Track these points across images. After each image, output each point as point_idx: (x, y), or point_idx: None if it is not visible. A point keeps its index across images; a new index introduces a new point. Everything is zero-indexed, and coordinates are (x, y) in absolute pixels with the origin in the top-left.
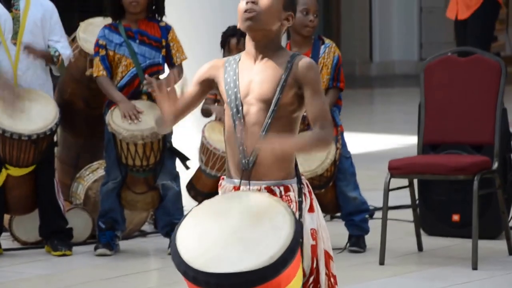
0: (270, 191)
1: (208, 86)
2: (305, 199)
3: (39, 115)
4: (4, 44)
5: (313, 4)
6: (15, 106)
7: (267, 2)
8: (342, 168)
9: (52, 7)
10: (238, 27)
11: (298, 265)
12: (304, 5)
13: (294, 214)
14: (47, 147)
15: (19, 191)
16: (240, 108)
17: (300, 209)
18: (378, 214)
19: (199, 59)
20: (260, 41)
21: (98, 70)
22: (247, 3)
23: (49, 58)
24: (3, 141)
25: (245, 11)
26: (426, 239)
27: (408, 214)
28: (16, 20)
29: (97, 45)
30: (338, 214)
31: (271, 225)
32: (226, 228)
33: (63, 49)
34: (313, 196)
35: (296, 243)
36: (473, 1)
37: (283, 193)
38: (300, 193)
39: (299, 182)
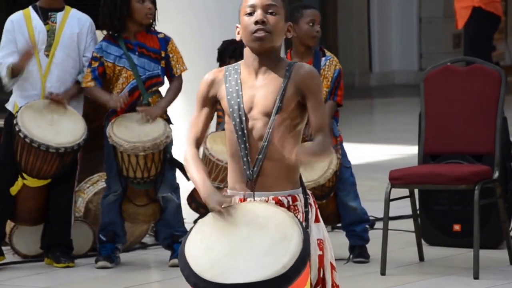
0: (278, 201)
1: (214, 101)
2: (311, 209)
3: (68, 129)
4: (36, 55)
5: (318, 14)
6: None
7: (276, 20)
8: (342, 178)
9: (90, 23)
10: (237, 39)
11: (307, 275)
12: (311, 16)
13: (301, 223)
14: (69, 162)
15: (32, 202)
16: (244, 119)
17: (306, 219)
18: (379, 225)
19: (197, 70)
20: (263, 55)
21: (86, 81)
22: (256, 23)
23: (79, 90)
24: (28, 151)
25: (255, 31)
26: (427, 249)
27: (409, 224)
28: (51, 33)
29: (91, 57)
30: (339, 225)
31: (279, 235)
32: (235, 239)
33: None
34: (317, 206)
35: (306, 252)
36: (463, 11)
37: (291, 203)
38: (306, 203)
39: (305, 193)
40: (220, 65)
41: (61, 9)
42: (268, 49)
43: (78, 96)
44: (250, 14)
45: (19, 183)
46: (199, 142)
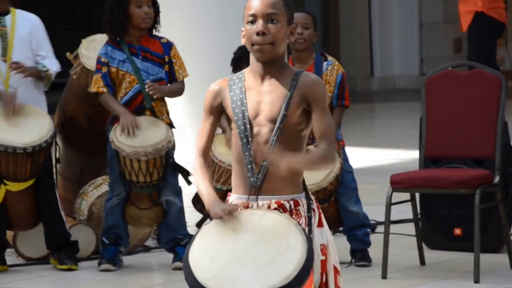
0: (281, 205)
1: (220, 111)
2: (314, 214)
3: (33, 128)
4: None
5: (301, 17)
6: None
7: (277, 29)
8: (344, 182)
9: (38, 21)
10: (242, 43)
11: (311, 284)
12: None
13: (305, 232)
14: (43, 160)
15: (20, 206)
16: (248, 126)
17: (309, 224)
18: (380, 228)
19: (199, 75)
20: (268, 63)
21: (98, 86)
22: (257, 34)
23: (37, 74)
24: None
25: (257, 43)
26: (428, 253)
27: (410, 228)
28: (4, 37)
29: (99, 62)
30: (340, 229)
31: (283, 244)
32: (238, 247)
33: (51, 64)
34: (321, 210)
35: (310, 262)
36: (467, 15)
37: (293, 207)
38: (309, 208)
39: (308, 197)
40: (234, 71)
41: (6, 12)
42: (271, 58)
43: (39, 87)
44: (252, 22)
45: (1, 190)
46: (206, 151)
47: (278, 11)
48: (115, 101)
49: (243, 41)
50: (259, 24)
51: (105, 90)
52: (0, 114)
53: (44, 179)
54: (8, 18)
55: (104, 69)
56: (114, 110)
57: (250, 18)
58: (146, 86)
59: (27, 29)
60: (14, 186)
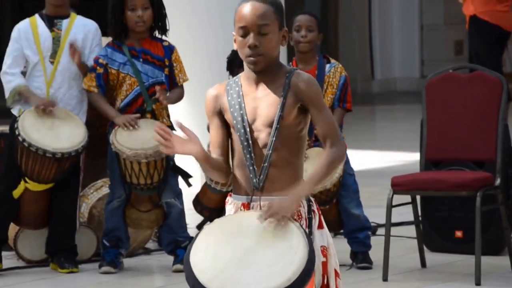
0: None
1: (221, 114)
2: (314, 216)
3: (67, 135)
4: (42, 62)
5: (305, 19)
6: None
7: (269, 40)
8: (346, 185)
9: (95, 28)
10: (235, 48)
11: (312, 285)
12: (296, 22)
13: (306, 233)
14: (69, 168)
15: (33, 206)
16: (248, 129)
17: (310, 226)
18: (381, 231)
19: (201, 78)
20: (262, 70)
21: (89, 85)
22: (249, 47)
23: (85, 70)
24: (28, 155)
25: (249, 56)
26: (429, 255)
27: (411, 230)
28: (56, 40)
29: (96, 62)
30: (341, 231)
31: (285, 245)
32: (240, 248)
33: None
34: (320, 212)
35: (311, 264)
36: (466, 18)
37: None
38: (310, 210)
39: (308, 199)
40: (230, 74)
41: (66, 16)
42: (265, 67)
43: (82, 103)
44: (243, 36)
45: (21, 186)
46: (224, 155)
47: (269, 21)
48: (106, 103)
49: (235, 46)
50: (251, 38)
51: (95, 90)
52: (36, 115)
53: (66, 187)
54: (65, 22)
55: (100, 70)
56: (105, 113)
57: (241, 32)
58: (157, 91)
59: (82, 35)
60: (34, 186)
